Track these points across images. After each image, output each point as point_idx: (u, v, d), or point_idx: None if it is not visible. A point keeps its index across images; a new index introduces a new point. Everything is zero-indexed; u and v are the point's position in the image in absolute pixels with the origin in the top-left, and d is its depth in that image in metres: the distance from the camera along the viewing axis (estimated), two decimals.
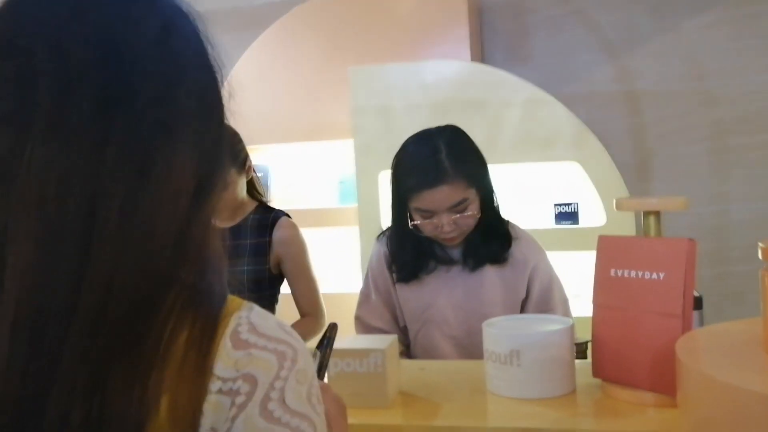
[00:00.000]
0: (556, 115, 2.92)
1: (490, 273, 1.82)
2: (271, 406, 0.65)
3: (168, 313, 0.65)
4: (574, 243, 2.87)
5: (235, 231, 2.18)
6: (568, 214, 2.97)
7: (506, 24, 3.41)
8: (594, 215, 2.96)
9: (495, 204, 1.83)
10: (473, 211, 1.74)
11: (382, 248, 1.91)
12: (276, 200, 3.61)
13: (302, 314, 2.23)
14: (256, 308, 0.70)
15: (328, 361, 1.03)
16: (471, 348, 1.79)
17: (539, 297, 1.82)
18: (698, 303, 1.33)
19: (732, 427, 0.88)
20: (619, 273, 1.29)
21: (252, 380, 0.65)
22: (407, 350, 1.90)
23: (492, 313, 1.68)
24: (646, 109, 3.28)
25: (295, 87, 3.40)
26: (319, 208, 3.49)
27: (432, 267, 1.84)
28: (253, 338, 0.66)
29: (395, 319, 1.90)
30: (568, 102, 3.08)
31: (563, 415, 1.26)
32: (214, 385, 0.64)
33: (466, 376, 1.48)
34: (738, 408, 0.87)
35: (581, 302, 2.97)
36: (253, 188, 2.23)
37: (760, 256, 0.98)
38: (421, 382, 1.46)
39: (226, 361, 0.65)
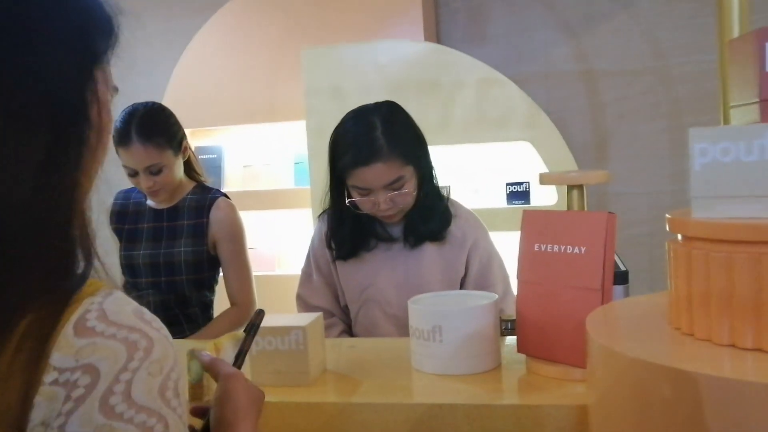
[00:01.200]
0: (509, 95, 2.91)
1: (429, 251, 1.80)
2: (114, 400, 0.61)
3: (13, 297, 0.61)
4: None
5: (172, 212, 2.15)
6: (520, 194, 2.97)
7: (463, 3, 3.39)
8: (545, 195, 2.96)
9: (434, 181, 1.81)
10: (410, 189, 1.72)
11: (323, 226, 1.88)
12: (231, 182, 3.57)
13: (231, 303, 2.19)
14: (117, 294, 0.66)
15: (248, 348, 1.01)
16: None
17: (478, 274, 1.81)
18: (623, 277, 1.32)
19: (632, 399, 0.87)
20: (543, 248, 1.28)
21: (94, 371, 0.60)
22: (349, 330, 1.88)
23: (433, 290, 1.66)
24: (604, 89, 3.27)
25: (249, 68, 3.36)
26: (274, 189, 3.46)
27: (372, 245, 1.83)
28: (101, 326, 0.62)
29: (336, 298, 1.88)
30: (526, 82, 3.07)
31: (484, 390, 1.24)
32: (49, 377, 0.60)
33: (396, 353, 1.46)
34: (636, 380, 0.86)
35: None
36: (190, 168, 2.19)
37: (667, 227, 0.96)
38: (348, 360, 1.44)
39: (65, 350, 0.61)
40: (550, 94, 3.27)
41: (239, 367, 0.97)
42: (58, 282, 0.64)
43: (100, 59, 0.72)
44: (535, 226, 1.30)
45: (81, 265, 0.67)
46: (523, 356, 1.34)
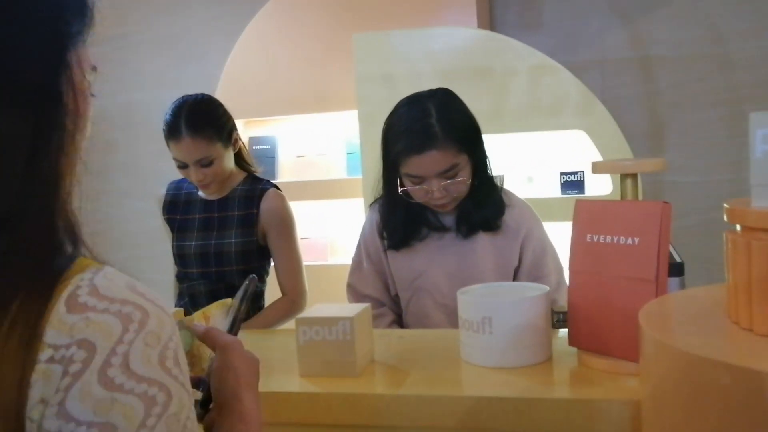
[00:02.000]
0: (563, 82, 2.85)
1: (483, 240, 1.78)
2: (112, 372, 0.60)
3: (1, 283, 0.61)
4: None
5: (223, 203, 2.17)
6: (574, 183, 2.91)
7: None
8: (600, 184, 2.90)
9: (488, 170, 1.79)
10: (464, 177, 1.69)
11: (375, 215, 1.88)
12: (284, 172, 3.60)
13: (282, 292, 2.19)
14: (107, 269, 0.66)
15: (242, 315, 0.99)
16: None
17: (531, 265, 1.78)
18: (678, 269, 1.28)
19: (687, 395, 0.84)
20: (595, 238, 1.24)
21: (89, 346, 0.60)
22: (399, 320, 1.87)
23: (484, 282, 1.64)
24: (659, 76, 3.18)
25: (301, 57, 3.37)
26: (327, 180, 3.47)
27: (424, 234, 1.81)
28: (93, 301, 0.62)
29: (386, 287, 1.87)
30: (580, 69, 3.00)
31: (534, 383, 1.22)
32: (44, 354, 0.59)
33: (445, 344, 1.45)
34: (692, 376, 0.83)
35: None
36: (241, 159, 2.20)
37: (725, 218, 0.93)
38: (396, 351, 1.43)
39: (58, 327, 0.60)
40: (605, 82, 3.19)
41: (235, 334, 0.96)
42: (45, 265, 0.64)
43: (75, 42, 0.71)
44: (588, 216, 1.27)
45: (69, 249, 0.67)
46: (574, 349, 1.31)
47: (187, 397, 0.65)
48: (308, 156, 3.62)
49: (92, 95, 0.78)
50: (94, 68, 0.78)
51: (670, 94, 3.16)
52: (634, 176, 1.24)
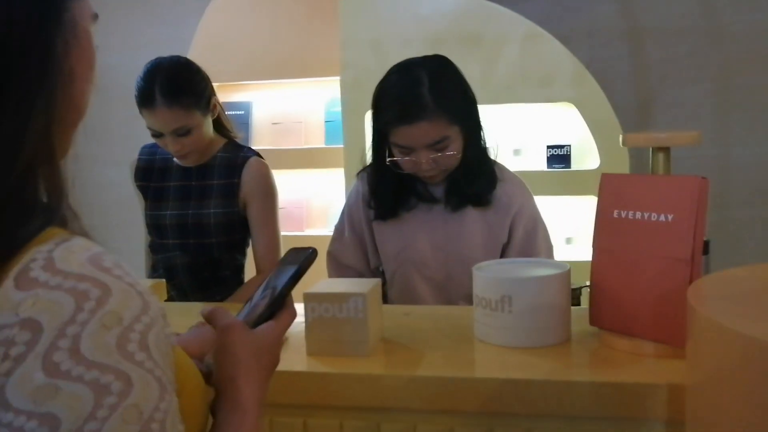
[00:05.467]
0: (553, 53, 2.79)
1: (472, 214, 1.71)
2: (58, 356, 0.53)
3: None
4: (566, 187, 2.78)
5: (202, 171, 2.04)
6: (560, 157, 2.86)
7: None
8: (587, 158, 2.86)
9: (482, 142, 1.71)
10: (455, 150, 1.62)
11: (362, 186, 1.80)
12: (259, 140, 3.48)
13: (258, 270, 2.07)
14: (75, 240, 0.58)
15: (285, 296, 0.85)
16: (450, 291, 1.71)
17: (521, 241, 1.72)
18: (706, 247, 1.22)
19: (745, 379, 0.78)
20: (623, 214, 1.18)
21: (35, 326, 0.53)
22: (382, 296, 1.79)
23: (472, 257, 1.59)
24: (650, 48, 3.12)
25: (281, 19, 3.24)
26: (304, 148, 3.37)
27: (412, 204, 1.74)
28: (45, 276, 0.55)
29: (367, 260, 1.81)
30: (569, 39, 2.93)
31: (557, 365, 1.16)
32: None
33: (453, 322, 1.38)
34: (753, 359, 0.77)
35: (574, 247, 2.88)
36: (220, 125, 2.07)
37: None
38: (404, 328, 1.36)
39: (4, 305, 0.53)
40: (593, 53, 3.12)
41: (269, 316, 0.84)
42: (11, 230, 0.57)
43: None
44: (615, 191, 1.20)
45: (40, 219, 0.60)
46: (593, 328, 1.26)
47: (157, 387, 0.57)
48: (284, 123, 3.51)
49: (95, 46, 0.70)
50: (95, 16, 0.70)
51: (660, 67, 3.11)
52: (666, 150, 1.17)
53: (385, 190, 1.73)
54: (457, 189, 1.70)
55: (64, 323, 0.53)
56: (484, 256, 1.60)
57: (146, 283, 1.95)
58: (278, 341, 0.84)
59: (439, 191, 1.73)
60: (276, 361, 0.84)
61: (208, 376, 0.82)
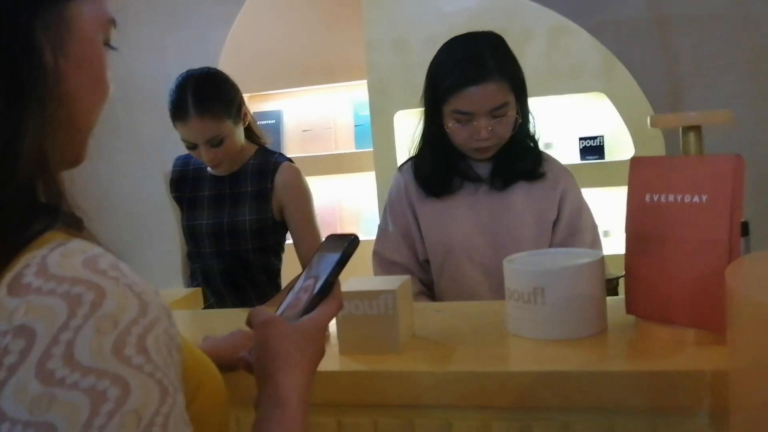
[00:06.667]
0: (581, 44, 2.74)
1: (519, 192, 1.70)
2: (53, 364, 0.51)
3: None
4: (601, 179, 2.73)
5: (235, 178, 2.07)
6: (593, 149, 2.81)
7: None
8: (621, 149, 2.80)
9: (531, 125, 1.71)
10: (512, 118, 1.63)
11: (404, 177, 1.78)
12: (290, 148, 3.49)
13: (303, 268, 2.10)
14: (72, 243, 0.57)
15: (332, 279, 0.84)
16: (503, 276, 1.68)
17: (570, 218, 1.70)
18: (745, 229, 1.18)
19: None
20: (656, 198, 1.15)
21: (28, 334, 0.52)
22: (430, 290, 1.77)
23: (522, 235, 1.58)
24: (679, 36, 3.05)
25: (306, 25, 3.25)
26: (335, 154, 3.37)
27: (456, 186, 1.72)
28: (38, 282, 0.53)
29: (414, 253, 1.77)
30: (596, 31, 2.88)
31: (593, 356, 1.13)
32: None
33: (487, 318, 1.36)
34: None
35: (610, 240, 2.83)
36: (250, 132, 2.10)
37: None
38: (436, 325, 1.34)
39: None
40: (622, 42, 3.07)
41: (315, 306, 0.82)
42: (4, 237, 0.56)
43: None
44: (646, 175, 1.17)
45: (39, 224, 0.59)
46: (629, 318, 1.22)
47: (157, 390, 0.55)
48: (314, 130, 3.52)
49: (112, 48, 0.69)
50: (111, 21, 0.69)
51: (691, 54, 3.04)
52: (697, 129, 1.13)
53: (433, 166, 1.72)
54: (503, 167, 1.70)
55: (58, 329, 0.52)
56: (536, 234, 1.60)
57: (181, 292, 1.97)
58: (322, 332, 0.83)
59: (484, 170, 1.71)
60: (321, 352, 0.83)
61: (251, 368, 0.81)
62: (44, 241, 0.58)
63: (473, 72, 1.59)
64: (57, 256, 0.55)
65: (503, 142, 1.66)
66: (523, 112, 1.68)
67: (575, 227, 1.69)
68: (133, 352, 0.54)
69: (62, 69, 0.62)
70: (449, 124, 1.63)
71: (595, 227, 1.74)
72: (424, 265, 1.76)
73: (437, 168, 1.71)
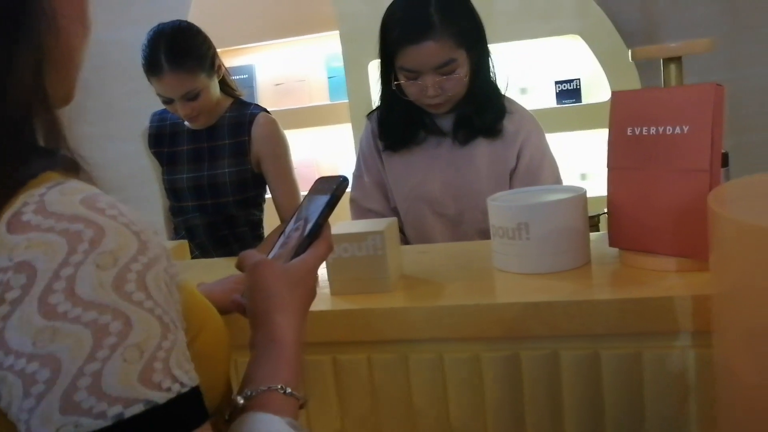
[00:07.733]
0: None
1: (480, 147, 1.70)
2: (55, 298, 0.52)
3: None
4: (578, 122, 2.74)
5: (211, 132, 2.06)
6: (570, 92, 2.82)
7: None
8: (597, 92, 2.82)
9: (491, 73, 1.69)
10: (461, 75, 1.59)
11: (371, 124, 1.79)
12: (264, 102, 3.45)
13: (281, 220, 2.12)
14: (69, 183, 0.57)
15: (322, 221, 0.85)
16: (463, 227, 1.70)
17: (527, 168, 1.69)
18: (725, 159, 1.21)
19: None
20: (637, 131, 1.16)
21: (29, 269, 0.53)
22: (401, 233, 1.79)
23: (482, 189, 1.58)
24: None
25: None
26: (309, 106, 3.34)
27: (421, 138, 1.72)
28: (38, 219, 0.54)
29: (387, 199, 1.80)
30: None
31: (578, 286, 1.16)
32: None
33: (471, 256, 1.38)
34: None
35: (590, 182, 2.86)
36: (225, 85, 2.09)
37: None
38: (423, 265, 1.36)
39: None
40: None
41: (306, 248, 0.83)
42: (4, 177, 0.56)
43: None
44: (627, 108, 1.18)
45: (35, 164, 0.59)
46: (612, 251, 1.25)
47: (158, 326, 0.56)
48: (287, 83, 3.48)
49: None
50: None
51: None
52: (678, 60, 1.15)
53: (394, 119, 1.72)
54: (465, 121, 1.68)
55: (59, 265, 0.53)
56: (493, 188, 1.59)
57: (167, 244, 1.98)
58: (312, 273, 0.83)
59: (447, 124, 1.71)
60: (312, 293, 0.83)
61: (244, 310, 0.82)
62: (42, 180, 0.58)
63: (413, 30, 1.55)
64: (55, 194, 0.56)
65: (458, 97, 1.64)
66: (480, 64, 1.64)
67: (533, 178, 1.68)
68: (134, 289, 0.55)
69: (55, 3, 0.62)
70: (401, 80, 1.61)
71: (558, 177, 1.74)
72: (396, 211, 1.79)
73: (396, 122, 1.71)
